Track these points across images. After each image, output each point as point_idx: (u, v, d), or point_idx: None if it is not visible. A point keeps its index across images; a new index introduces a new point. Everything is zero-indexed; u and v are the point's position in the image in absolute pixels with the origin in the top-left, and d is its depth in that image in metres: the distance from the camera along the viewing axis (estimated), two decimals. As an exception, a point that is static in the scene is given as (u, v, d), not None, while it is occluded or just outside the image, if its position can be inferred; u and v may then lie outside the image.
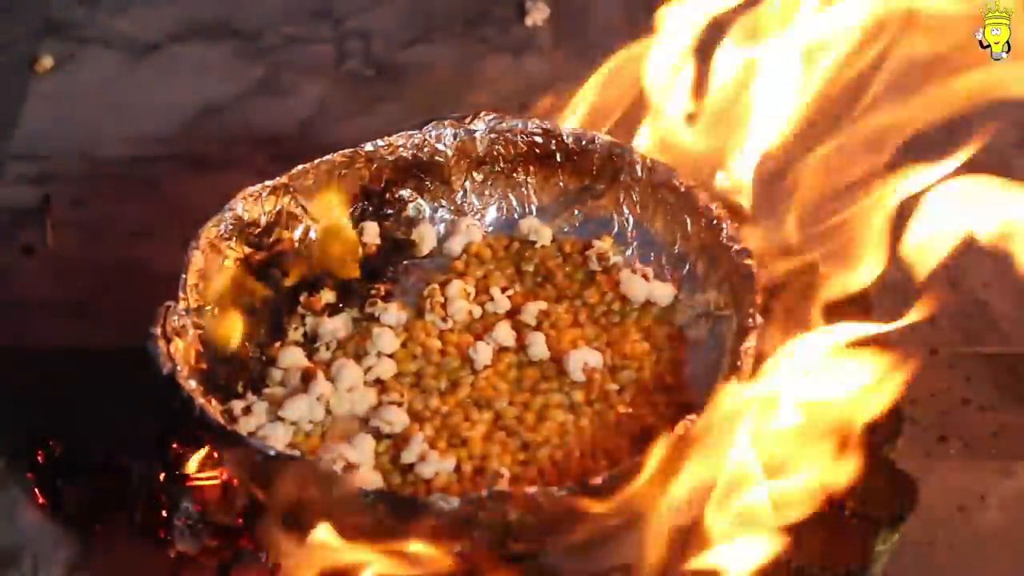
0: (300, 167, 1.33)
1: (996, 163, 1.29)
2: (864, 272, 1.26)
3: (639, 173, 1.34)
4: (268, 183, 1.32)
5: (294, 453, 1.18)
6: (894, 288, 1.30)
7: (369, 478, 1.17)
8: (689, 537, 1.14)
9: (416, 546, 1.11)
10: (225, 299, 1.27)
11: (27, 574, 1.28)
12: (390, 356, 1.28)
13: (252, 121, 1.73)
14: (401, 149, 1.36)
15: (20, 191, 1.65)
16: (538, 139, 1.36)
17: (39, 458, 1.33)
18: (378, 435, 1.22)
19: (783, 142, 1.39)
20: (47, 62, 1.81)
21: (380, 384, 1.26)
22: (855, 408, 1.18)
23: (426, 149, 1.36)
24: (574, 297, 1.33)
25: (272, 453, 1.13)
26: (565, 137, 1.36)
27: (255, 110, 1.75)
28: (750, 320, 1.21)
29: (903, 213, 1.28)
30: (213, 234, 1.27)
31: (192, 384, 1.18)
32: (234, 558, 1.23)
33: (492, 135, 1.37)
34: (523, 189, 1.39)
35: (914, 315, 1.22)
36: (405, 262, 1.37)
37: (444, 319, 1.30)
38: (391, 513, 1.11)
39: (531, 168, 1.38)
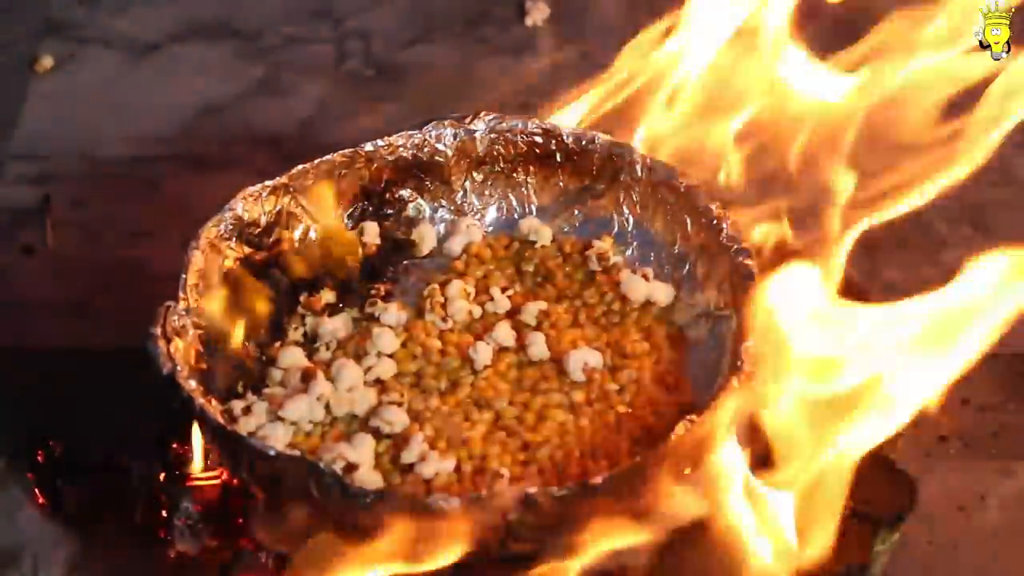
0: (300, 167, 1.33)
1: (996, 163, 1.29)
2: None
3: (639, 173, 1.34)
4: (268, 183, 1.31)
5: (294, 453, 1.18)
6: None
7: (369, 478, 1.17)
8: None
9: (416, 546, 1.11)
10: (225, 299, 1.27)
11: (27, 574, 1.28)
12: (390, 356, 1.28)
13: (252, 121, 1.74)
14: (401, 149, 1.36)
15: (20, 191, 1.65)
16: (538, 139, 1.36)
17: (39, 458, 1.33)
18: (378, 435, 1.21)
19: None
20: (47, 62, 1.81)
21: (380, 384, 1.26)
22: None
23: (426, 149, 1.36)
24: (574, 297, 1.32)
25: (272, 453, 1.13)
26: (565, 137, 1.36)
27: (255, 110, 1.75)
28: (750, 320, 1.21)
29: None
30: (213, 234, 1.27)
31: (192, 384, 1.17)
32: (234, 558, 1.23)
33: (492, 135, 1.37)
34: (523, 189, 1.39)
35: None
36: (405, 262, 1.36)
37: (444, 319, 1.30)
38: (391, 513, 1.11)
39: (531, 168, 1.38)
